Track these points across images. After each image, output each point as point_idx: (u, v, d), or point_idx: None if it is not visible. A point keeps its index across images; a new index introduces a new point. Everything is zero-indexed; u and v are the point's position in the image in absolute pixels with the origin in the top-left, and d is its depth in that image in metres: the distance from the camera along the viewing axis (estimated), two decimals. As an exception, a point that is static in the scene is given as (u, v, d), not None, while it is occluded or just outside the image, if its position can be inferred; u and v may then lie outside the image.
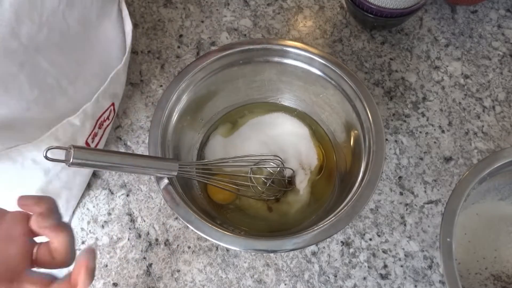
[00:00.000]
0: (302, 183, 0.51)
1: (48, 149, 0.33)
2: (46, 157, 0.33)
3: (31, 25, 0.38)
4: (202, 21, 0.64)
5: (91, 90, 0.47)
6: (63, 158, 0.35)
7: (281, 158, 0.51)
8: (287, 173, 0.52)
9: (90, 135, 0.49)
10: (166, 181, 0.42)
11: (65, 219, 0.52)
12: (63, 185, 0.49)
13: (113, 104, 0.51)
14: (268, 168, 0.51)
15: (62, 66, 0.43)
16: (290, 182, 0.51)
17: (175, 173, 0.41)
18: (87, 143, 0.49)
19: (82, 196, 0.54)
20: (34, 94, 0.40)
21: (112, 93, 0.50)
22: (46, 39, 0.40)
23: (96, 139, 0.51)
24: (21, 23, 0.37)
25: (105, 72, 0.49)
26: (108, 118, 0.51)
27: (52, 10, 0.40)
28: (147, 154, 0.44)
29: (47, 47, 0.41)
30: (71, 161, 0.34)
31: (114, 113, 0.53)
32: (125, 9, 0.51)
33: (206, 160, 0.52)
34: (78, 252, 0.33)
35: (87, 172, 0.52)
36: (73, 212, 0.53)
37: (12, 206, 0.33)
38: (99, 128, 0.50)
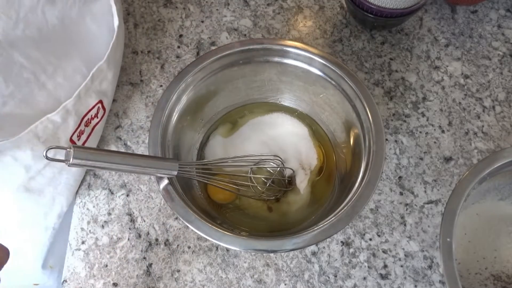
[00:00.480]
0: (302, 183, 0.51)
1: (48, 149, 0.33)
2: (46, 157, 0.33)
3: (7, 21, 0.38)
4: (202, 21, 0.64)
5: (73, 87, 0.47)
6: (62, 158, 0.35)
7: (281, 158, 0.51)
8: (287, 173, 0.52)
9: (74, 132, 0.48)
10: (166, 181, 0.42)
11: (51, 217, 0.52)
12: (47, 182, 0.48)
13: (100, 102, 0.51)
14: (268, 168, 0.51)
15: (39, 60, 0.43)
16: (290, 182, 0.51)
17: (175, 173, 0.41)
18: (72, 140, 0.48)
19: (82, 196, 0.54)
20: (9, 89, 0.40)
21: (98, 90, 0.50)
22: (22, 34, 0.40)
23: (83, 137, 0.50)
24: None
25: (89, 69, 0.48)
26: (96, 116, 0.51)
27: (30, 6, 0.40)
28: (147, 154, 0.44)
29: (23, 42, 0.41)
30: (71, 161, 0.34)
31: (104, 111, 0.53)
32: (114, 5, 0.51)
33: (206, 160, 0.52)
34: None
35: (75, 169, 0.51)
36: (64, 212, 0.52)
37: None
38: (86, 126, 0.50)
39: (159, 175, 0.42)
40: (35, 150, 0.43)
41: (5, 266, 0.57)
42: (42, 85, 0.44)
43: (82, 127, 0.49)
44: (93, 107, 0.50)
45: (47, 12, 0.42)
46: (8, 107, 0.41)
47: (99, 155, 0.35)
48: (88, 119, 0.50)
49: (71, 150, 0.33)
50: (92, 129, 0.52)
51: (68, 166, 0.34)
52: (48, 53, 0.44)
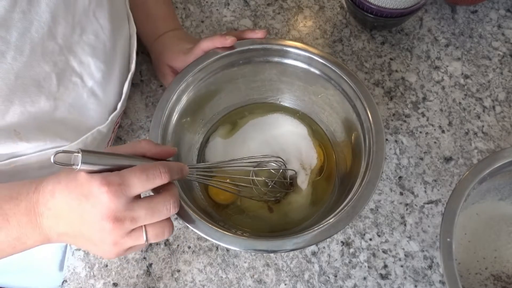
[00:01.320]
0: (303, 183, 0.51)
1: (56, 153, 0.33)
2: (55, 162, 0.32)
3: (65, 25, 0.39)
4: (202, 21, 0.64)
5: (115, 92, 0.48)
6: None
7: (283, 159, 0.51)
8: (289, 173, 0.51)
9: (109, 140, 0.50)
10: (166, 181, 0.42)
11: None
12: None
13: (124, 108, 0.53)
14: (270, 169, 0.51)
15: (89, 66, 0.43)
16: (291, 184, 0.51)
17: None
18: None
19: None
20: (60, 92, 0.41)
21: (125, 98, 0.51)
22: (79, 39, 0.41)
23: (110, 143, 0.52)
24: (57, 23, 0.38)
25: (121, 74, 0.49)
26: (118, 122, 0.53)
27: (83, 9, 0.41)
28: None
29: (80, 47, 0.42)
30: (79, 165, 0.33)
31: (121, 115, 0.54)
32: (129, 10, 0.52)
33: (208, 163, 0.52)
34: None
35: None
36: None
37: None
38: (113, 132, 0.51)
39: None
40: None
41: (26, 269, 0.59)
42: (91, 92, 0.44)
43: (112, 134, 0.51)
44: (120, 114, 0.51)
45: (97, 13, 0.43)
46: (60, 112, 0.42)
47: (106, 158, 0.35)
48: (115, 126, 0.51)
49: (79, 154, 0.33)
50: (115, 134, 0.54)
51: (77, 171, 0.33)
52: (98, 57, 0.44)
